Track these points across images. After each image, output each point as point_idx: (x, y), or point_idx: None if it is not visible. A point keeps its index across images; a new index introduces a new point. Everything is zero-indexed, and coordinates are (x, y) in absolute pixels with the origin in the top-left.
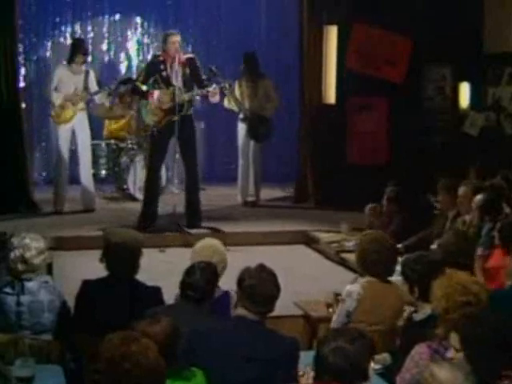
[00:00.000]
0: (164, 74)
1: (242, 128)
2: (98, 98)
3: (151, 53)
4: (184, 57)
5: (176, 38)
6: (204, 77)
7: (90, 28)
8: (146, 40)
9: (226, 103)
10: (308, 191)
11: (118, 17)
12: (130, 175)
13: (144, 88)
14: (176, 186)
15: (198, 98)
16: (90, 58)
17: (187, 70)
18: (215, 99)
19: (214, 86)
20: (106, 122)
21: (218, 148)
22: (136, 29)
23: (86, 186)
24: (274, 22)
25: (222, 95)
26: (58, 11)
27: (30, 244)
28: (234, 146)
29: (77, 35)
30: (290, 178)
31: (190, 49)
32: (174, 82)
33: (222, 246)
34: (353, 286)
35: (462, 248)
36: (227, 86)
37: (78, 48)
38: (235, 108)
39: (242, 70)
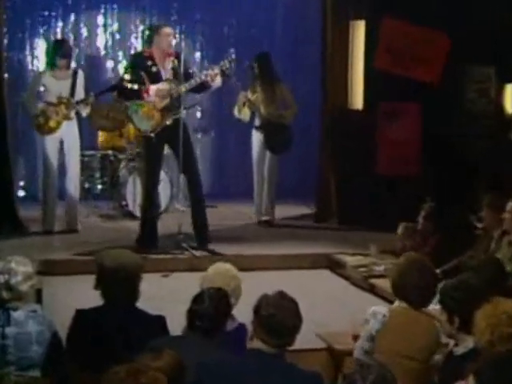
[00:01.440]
0: (154, 69)
1: (256, 137)
2: (83, 110)
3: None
4: (173, 52)
5: (170, 30)
6: (191, 71)
7: (82, 24)
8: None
9: (236, 112)
10: (331, 208)
11: (115, 11)
12: (129, 190)
13: (136, 86)
14: (181, 202)
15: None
16: (76, 60)
17: (176, 63)
18: (216, 82)
19: (212, 66)
20: (101, 132)
21: (229, 160)
22: (136, 25)
23: (69, 203)
24: (291, 17)
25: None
26: (47, 3)
27: (17, 268)
28: (247, 157)
29: (68, 32)
30: (310, 193)
31: (197, 47)
32: (164, 76)
33: (237, 272)
34: (379, 307)
35: (499, 274)
36: (227, 63)
37: (56, 51)
38: (246, 118)
39: (256, 72)
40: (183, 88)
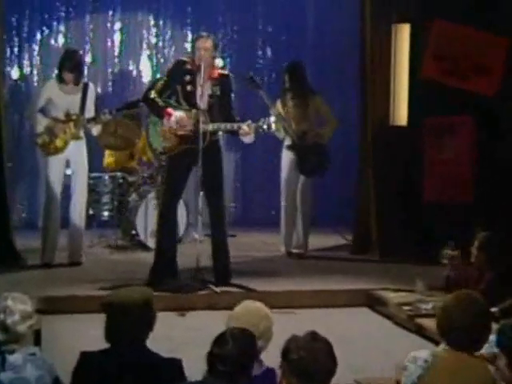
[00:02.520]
0: (189, 87)
1: (288, 158)
2: (93, 129)
3: (169, 60)
4: (217, 72)
5: (205, 44)
6: (233, 105)
7: (88, 29)
8: (161, 44)
9: (277, 133)
10: (371, 238)
11: (124, 14)
12: (140, 217)
13: (160, 103)
14: (200, 231)
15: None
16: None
17: (217, 90)
18: (248, 139)
19: (249, 122)
20: (109, 151)
21: (255, 184)
22: (148, 30)
23: (72, 232)
24: (326, 21)
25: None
26: (48, 6)
27: (13, 307)
28: (276, 181)
29: (70, 38)
30: (347, 222)
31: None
32: (198, 101)
33: (269, 312)
34: (420, 352)
35: None
36: (265, 126)
37: (63, 64)
38: (282, 134)
39: (287, 84)
40: (211, 127)
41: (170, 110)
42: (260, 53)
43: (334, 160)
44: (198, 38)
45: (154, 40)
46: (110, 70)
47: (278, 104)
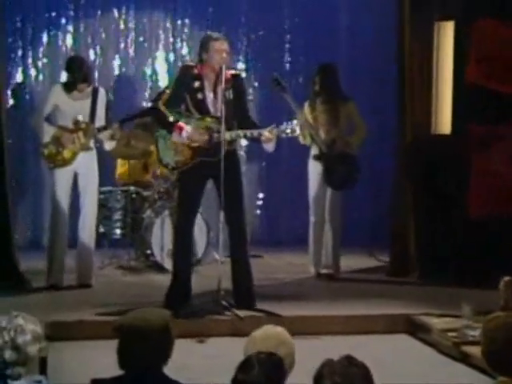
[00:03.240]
0: (200, 95)
1: (315, 169)
2: (105, 142)
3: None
4: (228, 73)
5: (223, 46)
6: (249, 109)
7: (99, 29)
8: (178, 46)
9: (300, 138)
10: (409, 259)
11: (137, 14)
12: (156, 235)
13: (169, 116)
14: (221, 251)
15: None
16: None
17: (230, 94)
18: (271, 147)
19: (272, 127)
20: (120, 162)
21: (279, 199)
22: (164, 30)
23: (81, 252)
24: (360, 20)
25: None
26: (54, 4)
27: (25, 326)
28: (302, 195)
29: (79, 40)
30: (382, 240)
31: (240, 58)
32: (211, 109)
33: (290, 337)
34: None
35: None
36: (289, 131)
37: (73, 72)
38: (308, 141)
39: (316, 88)
40: (228, 136)
41: (180, 124)
42: (286, 55)
43: (366, 171)
44: (214, 40)
45: (170, 42)
46: (122, 74)
47: (306, 108)
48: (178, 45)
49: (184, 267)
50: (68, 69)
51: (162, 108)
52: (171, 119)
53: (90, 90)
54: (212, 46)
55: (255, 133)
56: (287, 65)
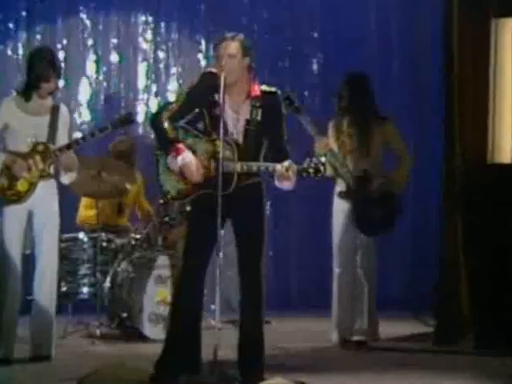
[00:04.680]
0: (217, 111)
1: (341, 210)
2: (63, 173)
3: (171, 76)
4: (257, 88)
5: (229, 49)
6: (285, 138)
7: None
8: (161, 54)
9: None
10: (462, 323)
11: (110, 15)
12: (134, 295)
13: (170, 133)
14: (218, 313)
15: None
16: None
17: (257, 114)
18: (286, 185)
19: (289, 162)
20: (86, 200)
21: (293, 249)
22: (144, 32)
23: (38, 317)
24: (394, 22)
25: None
26: (13, 5)
27: None
28: (324, 242)
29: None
30: (425, 300)
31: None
32: (231, 130)
33: None
34: None
35: None
36: (312, 170)
37: (38, 69)
38: (331, 174)
39: (344, 104)
40: (239, 167)
41: (180, 146)
42: (301, 65)
43: (409, 210)
44: (220, 42)
45: (151, 49)
46: (90, 91)
47: (331, 131)
48: (162, 53)
49: (190, 329)
50: (32, 63)
51: (165, 121)
52: (171, 136)
53: (49, 104)
54: (216, 51)
55: (270, 167)
56: (302, 77)
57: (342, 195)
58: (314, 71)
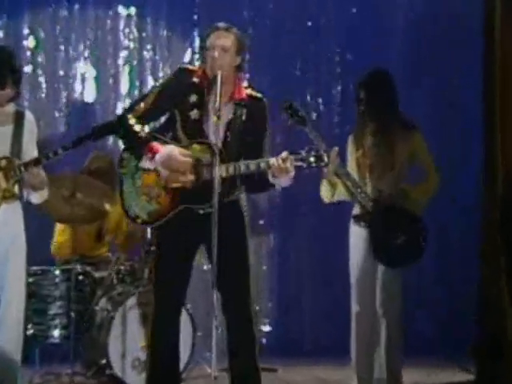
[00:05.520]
0: (194, 114)
1: (357, 237)
2: (34, 196)
3: (161, 78)
4: (244, 91)
5: (223, 40)
6: (267, 147)
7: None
8: (148, 54)
9: (323, 192)
10: (510, 369)
11: (92, 9)
12: (115, 338)
13: (141, 132)
14: (215, 361)
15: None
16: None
17: (242, 114)
18: (284, 179)
19: (285, 154)
20: (60, 226)
21: (304, 284)
22: (127, 30)
23: (2, 365)
24: (425, 15)
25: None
26: None
27: None
28: (341, 276)
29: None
30: (461, 343)
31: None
32: (209, 134)
33: None
34: None
35: None
36: (312, 159)
37: None
38: (345, 195)
39: (361, 108)
40: (224, 172)
41: (155, 144)
42: (311, 67)
43: (437, 237)
44: (210, 33)
45: (135, 47)
46: (64, 96)
47: (350, 147)
48: (149, 53)
49: (165, 377)
50: None
51: (133, 121)
52: (142, 133)
53: (11, 111)
54: (207, 41)
55: (261, 163)
56: (314, 81)
57: (356, 219)
58: (330, 76)
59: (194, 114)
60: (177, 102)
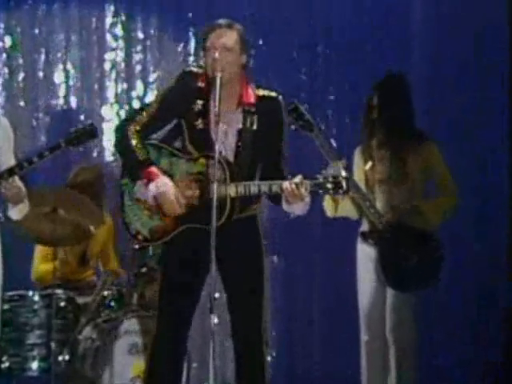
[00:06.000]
0: (199, 123)
1: (365, 257)
2: (13, 212)
3: (151, 85)
4: (251, 93)
5: (224, 39)
6: (284, 155)
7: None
8: (136, 56)
9: (327, 207)
10: None
11: (76, 7)
12: (100, 369)
13: (140, 151)
14: None
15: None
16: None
17: (252, 123)
18: (298, 207)
19: (300, 178)
20: (42, 249)
21: (303, 310)
22: (114, 29)
23: None
24: (444, 15)
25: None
26: None
27: None
28: (344, 299)
29: None
30: (491, 374)
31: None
32: (217, 145)
33: None
34: None
35: None
36: (330, 185)
37: None
38: (352, 214)
39: (372, 117)
40: (233, 192)
41: (152, 169)
42: (319, 70)
43: (459, 261)
44: (209, 31)
45: (123, 49)
46: (44, 103)
47: (357, 158)
48: (138, 55)
49: None
50: None
51: (133, 134)
52: (141, 157)
53: None
54: (206, 41)
55: (274, 186)
56: (321, 85)
57: (364, 237)
58: (342, 79)
59: (200, 123)
60: (182, 111)
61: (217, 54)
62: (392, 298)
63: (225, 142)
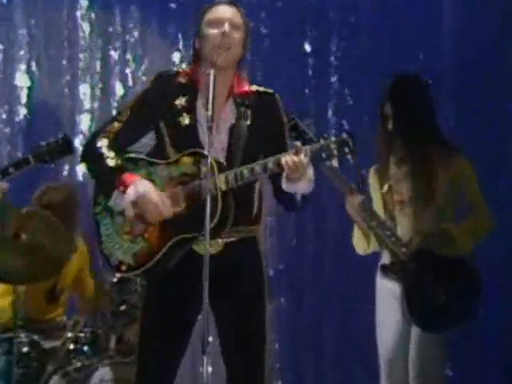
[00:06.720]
0: (186, 119)
1: (387, 292)
2: None
3: (134, 84)
4: (245, 85)
5: (235, 16)
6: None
7: None
8: (114, 53)
9: (357, 242)
10: None
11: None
12: None
13: (111, 161)
14: None
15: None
16: None
17: (246, 117)
18: (302, 185)
19: (298, 144)
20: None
21: (315, 348)
22: (87, 23)
23: None
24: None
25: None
26: None
27: None
28: (362, 338)
29: None
30: None
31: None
32: (203, 141)
33: None
34: None
35: None
36: (332, 146)
37: None
38: (371, 245)
39: (387, 128)
40: (224, 183)
41: (127, 176)
42: (331, 72)
43: (494, 292)
44: (211, 6)
45: (98, 46)
46: (4, 109)
47: (372, 180)
48: (128, 55)
49: None
50: None
51: (103, 145)
52: (111, 163)
53: None
54: (206, 16)
55: (269, 164)
56: (332, 91)
57: (385, 271)
58: (354, 87)
59: (185, 119)
60: (161, 112)
61: (226, 25)
62: (418, 337)
63: (217, 139)
